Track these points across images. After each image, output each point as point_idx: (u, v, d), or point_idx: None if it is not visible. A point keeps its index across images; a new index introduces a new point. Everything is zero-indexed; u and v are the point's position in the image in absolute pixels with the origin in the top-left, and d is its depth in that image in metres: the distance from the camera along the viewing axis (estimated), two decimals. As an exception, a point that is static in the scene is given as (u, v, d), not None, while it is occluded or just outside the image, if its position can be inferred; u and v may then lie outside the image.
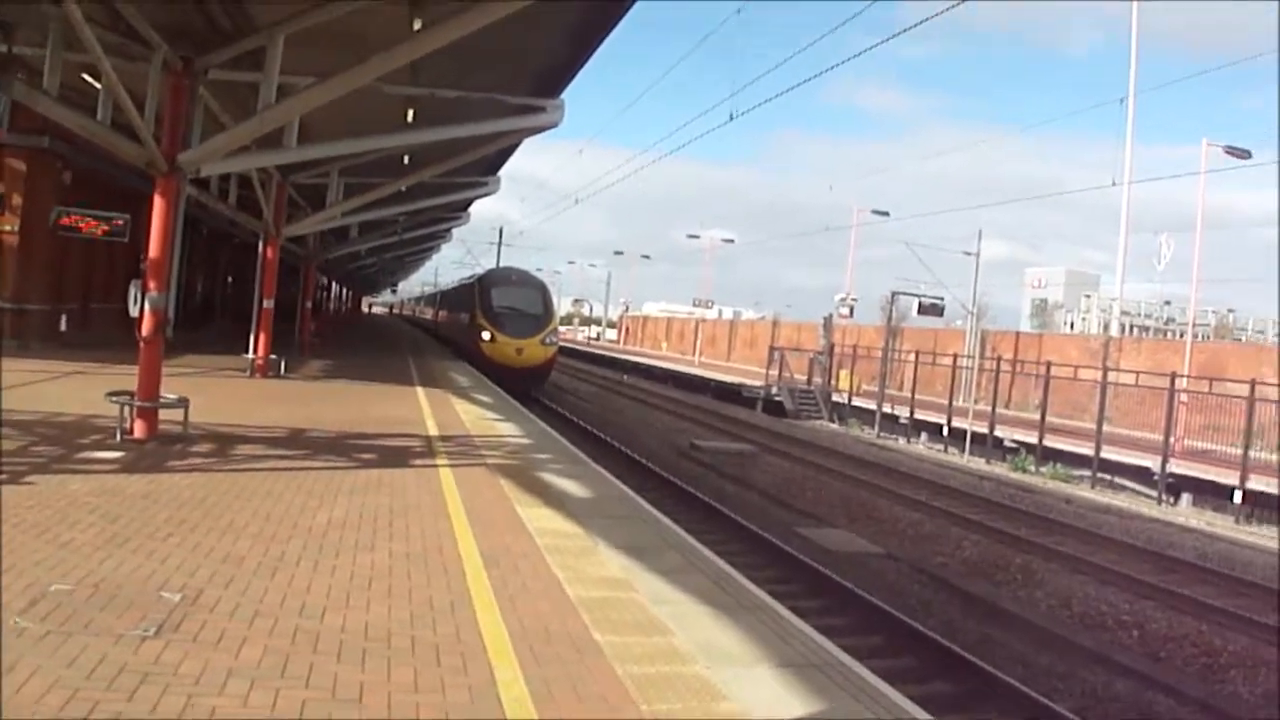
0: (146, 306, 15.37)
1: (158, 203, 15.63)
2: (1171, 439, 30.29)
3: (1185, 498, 28.54)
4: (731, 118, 26.65)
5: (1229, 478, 27.25)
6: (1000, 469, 34.22)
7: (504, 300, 44.02)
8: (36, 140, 25.86)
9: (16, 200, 27.63)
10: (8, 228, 27.57)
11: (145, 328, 15.42)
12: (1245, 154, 36.42)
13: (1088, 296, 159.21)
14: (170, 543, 9.22)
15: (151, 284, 15.39)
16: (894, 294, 57.14)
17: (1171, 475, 28.98)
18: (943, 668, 12.09)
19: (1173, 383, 31.99)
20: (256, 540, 9.61)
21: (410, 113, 23.66)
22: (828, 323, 59.37)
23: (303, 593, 8.09)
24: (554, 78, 21.74)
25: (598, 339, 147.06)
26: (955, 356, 46.87)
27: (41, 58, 15.71)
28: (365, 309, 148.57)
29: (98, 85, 16.92)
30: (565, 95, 22.68)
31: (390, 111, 23.21)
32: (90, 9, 14.10)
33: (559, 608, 8.30)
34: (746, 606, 8.98)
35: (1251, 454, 27.46)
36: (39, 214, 27.59)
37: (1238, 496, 26.71)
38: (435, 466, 15.17)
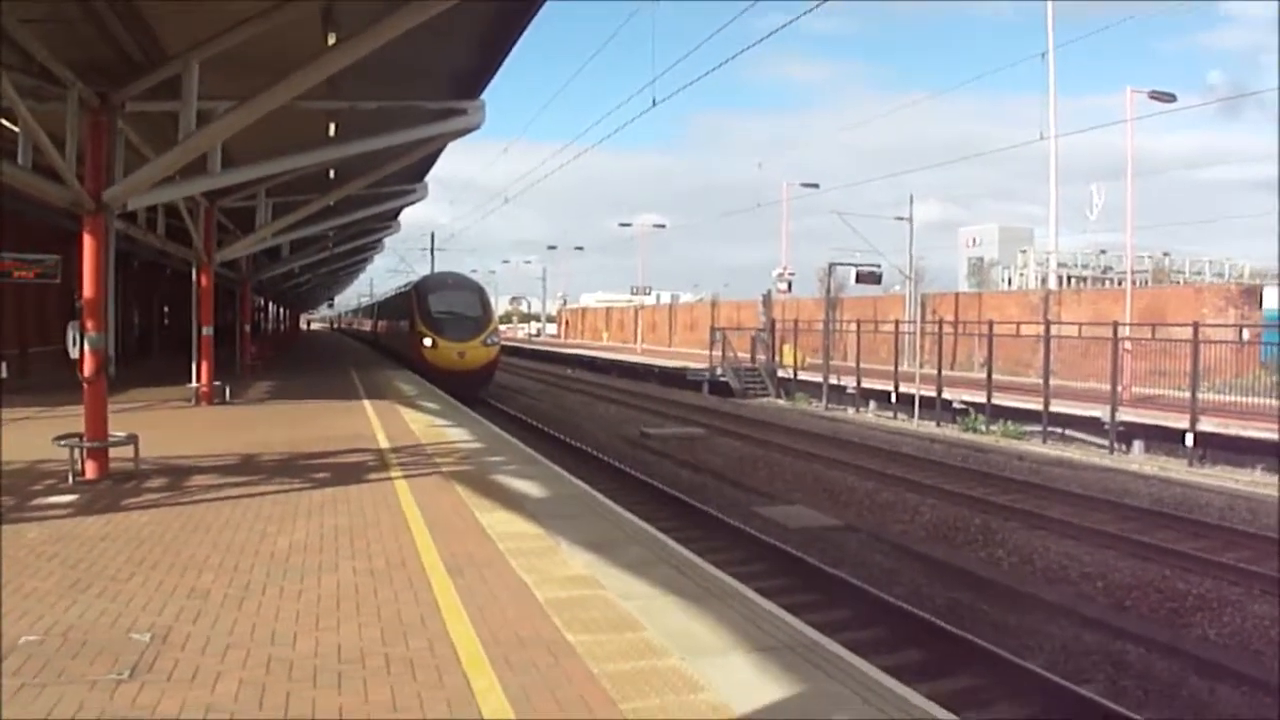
0: (86, 347, 15.25)
1: (87, 241, 15.48)
2: (1119, 387, 30.55)
3: (1137, 445, 28.79)
4: (654, 103, 26.69)
5: (1179, 421, 27.51)
6: (951, 431, 34.45)
7: (442, 305, 43.95)
8: (-44, 189, 25.53)
9: (-58, 252, 27.25)
10: (-64, 280, 27.22)
11: (87, 368, 15.29)
12: (1170, 98, 36.68)
13: (1023, 251, 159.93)
14: (134, 583, 9.19)
15: (89, 324, 15.26)
16: (831, 265, 57.48)
17: (1121, 423, 29.21)
18: (912, 635, 12.17)
19: (1115, 331, 32.22)
20: (220, 572, 9.60)
21: (332, 127, 23.57)
22: (767, 299, 59.47)
23: (272, 620, 8.09)
24: (472, 80, 21.67)
25: (538, 335, 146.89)
26: (897, 323, 47.15)
27: (-46, 107, 15.53)
28: (304, 326, 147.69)
29: (15, 129, 16.74)
30: (485, 95, 22.62)
31: (312, 128, 23.12)
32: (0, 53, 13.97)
33: (528, 612, 8.35)
34: (714, 594, 9.06)
35: (1199, 396, 27.73)
36: (-34, 263, 27.27)
37: (1189, 439, 26.96)
38: (390, 479, 15.16)
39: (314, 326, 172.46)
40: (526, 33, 18.98)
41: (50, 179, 15.57)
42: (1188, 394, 28.05)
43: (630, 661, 7.19)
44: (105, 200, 15.62)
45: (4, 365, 29.41)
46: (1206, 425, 26.82)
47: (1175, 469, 25.92)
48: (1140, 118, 38.40)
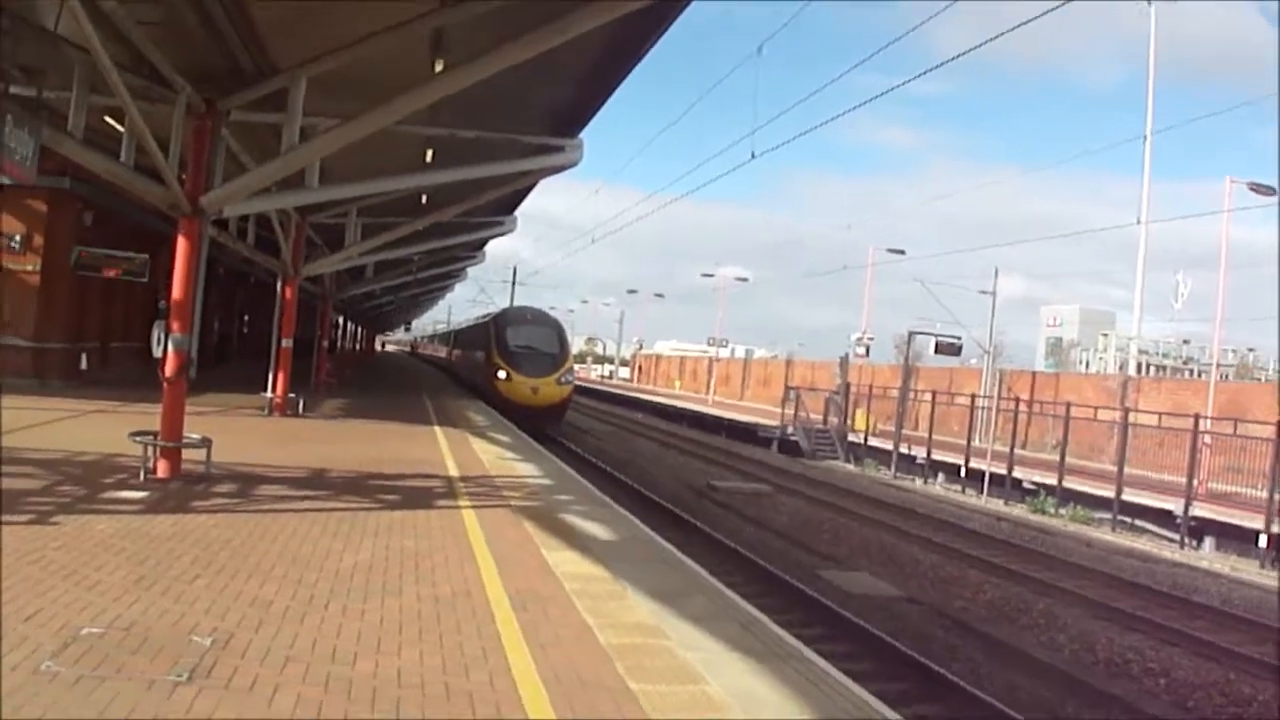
0: (170, 347, 15.36)
1: (180, 244, 15.63)
2: (1194, 481, 30.03)
3: (1208, 541, 28.23)
4: (753, 156, 26.52)
5: (1254, 521, 26.97)
6: (1019, 510, 34.00)
7: (520, 339, 44.05)
8: (57, 181, 25.90)
9: (38, 241, 27.74)
10: (29, 267, 27.67)
11: (169, 368, 15.41)
12: (1270, 190, 35.96)
13: (1104, 335, 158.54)
14: (198, 585, 9.21)
15: (175, 325, 15.38)
16: (911, 333, 57.08)
17: (1194, 518, 28.69)
18: (971, 715, 11.98)
19: (1196, 424, 31.72)
20: (284, 583, 9.59)
21: (429, 153, 23.72)
22: (844, 362, 59.23)
23: (333, 638, 8.05)
24: (573, 117, 21.78)
25: (610, 377, 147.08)
26: (973, 396, 46.74)
27: (66, 101, 15.73)
28: (379, 347, 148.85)
29: (120, 128, 16.97)
30: (584, 135, 22.74)
31: (409, 152, 23.30)
32: (116, 53, 14.14)
33: (591, 655, 8.25)
34: (779, 654, 8.93)
35: (1277, 497, 27.18)
36: (59, 254, 27.65)
37: (1263, 540, 26.41)
38: (458, 508, 15.14)
39: (389, 348, 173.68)
40: (629, 76, 19.09)
41: (151, 179, 15.76)
42: (1264, 494, 27.53)
43: (691, 714, 7.07)
44: (203, 205, 15.78)
45: (85, 357, 29.81)
46: (1281, 528, 26.23)
47: (1246, 570, 25.38)
48: (1238, 209, 37.94)
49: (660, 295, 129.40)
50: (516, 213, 36.36)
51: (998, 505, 35.24)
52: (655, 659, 8.28)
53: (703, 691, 7.60)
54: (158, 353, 15.58)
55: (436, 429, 28.03)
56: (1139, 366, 70.66)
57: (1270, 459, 28.06)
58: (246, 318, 60.34)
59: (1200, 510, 28.87)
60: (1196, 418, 32.38)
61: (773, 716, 7.26)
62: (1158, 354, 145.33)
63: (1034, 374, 61.09)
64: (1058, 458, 35.90)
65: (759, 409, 68.15)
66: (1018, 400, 45.26)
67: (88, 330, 30.97)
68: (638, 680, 7.66)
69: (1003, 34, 16.64)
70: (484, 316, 56.94)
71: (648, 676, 7.78)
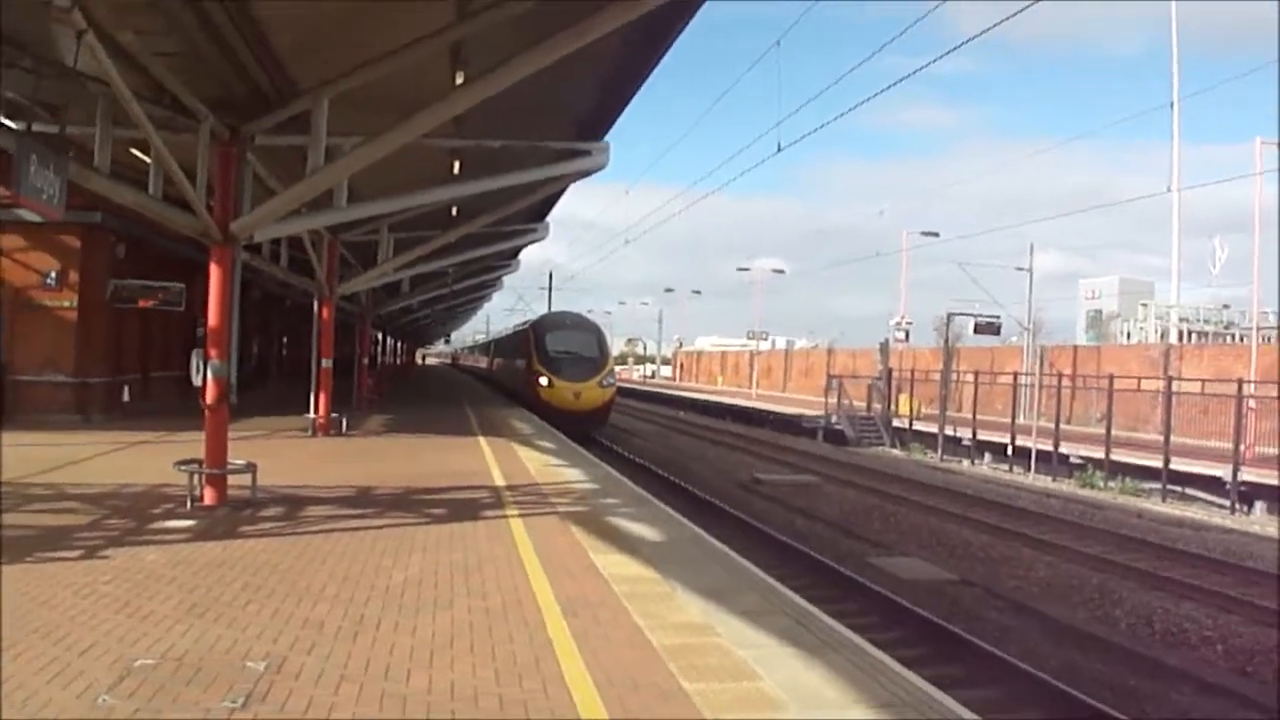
0: (209, 374, 15.43)
1: (214, 271, 15.70)
2: (1241, 446, 29.79)
3: (1259, 506, 28.03)
4: (779, 148, 26.37)
5: (1304, 483, 26.72)
6: (1067, 486, 33.85)
7: (559, 345, 44.08)
8: (89, 216, 26.06)
9: (73, 277, 27.93)
10: (66, 304, 27.85)
11: (209, 395, 15.47)
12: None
13: (1144, 305, 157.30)
14: (249, 610, 9.23)
15: (213, 352, 15.43)
16: (949, 315, 56.87)
17: (1244, 484, 28.50)
18: (1030, 696, 11.90)
19: (1240, 389, 31.47)
20: (335, 603, 9.61)
21: (456, 164, 23.74)
22: (884, 347, 59.03)
23: (386, 655, 8.05)
24: (597, 121, 21.76)
25: (652, 377, 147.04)
26: (1015, 374, 46.55)
27: (91, 136, 15.83)
28: (419, 361, 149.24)
29: (147, 160, 17.06)
30: (609, 137, 22.71)
31: (436, 165, 23.31)
32: (136, 85, 14.22)
33: (643, 656, 8.24)
34: (832, 646, 8.88)
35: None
36: (95, 288, 27.90)
37: (1315, 502, 26.18)
38: (505, 517, 15.14)
39: (430, 361, 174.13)
40: (651, 76, 19.05)
41: (180, 209, 15.83)
42: (1314, 455, 27.30)
43: (747, 712, 7.04)
44: (233, 231, 15.84)
45: (126, 389, 30.00)
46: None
47: (1301, 532, 25.14)
48: (1270, 171, 37.70)
49: (697, 292, 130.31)
50: (548, 219, 36.31)
51: (1045, 482, 35.14)
52: (707, 657, 8.25)
53: (756, 688, 7.57)
54: (197, 381, 15.65)
55: (480, 439, 28.08)
56: (1180, 334, 70.10)
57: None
58: (285, 339, 60.59)
59: (1249, 475, 28.67)
60: (1240, 382, 32.15)
61: (828, 710, 7.22)
62: (1198, 320, 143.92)
63: (1075, 348, 60.91)
64: (1103, 431, 35.73)
65: (802, 399, 68.08)
66: (1060, 376, 45.07)
67: (127, 362, 31.16)
68: (691, 680, 7.64)
69: (1025, 7, 16.37)
70: (522, 324, 56.97)
71: (701, 675, 7.75)
